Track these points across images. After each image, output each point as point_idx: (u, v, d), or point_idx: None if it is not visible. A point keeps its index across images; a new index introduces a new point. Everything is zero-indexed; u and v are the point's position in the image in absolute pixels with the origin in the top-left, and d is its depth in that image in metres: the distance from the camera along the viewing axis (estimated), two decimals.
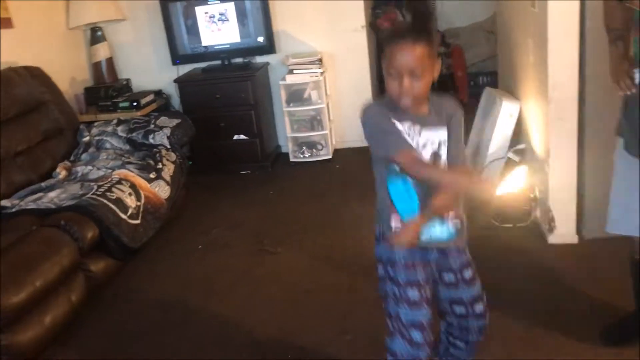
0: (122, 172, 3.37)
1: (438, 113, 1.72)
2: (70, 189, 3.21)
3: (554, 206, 3.03)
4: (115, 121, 3.99)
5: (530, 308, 2.60)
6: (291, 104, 4.60)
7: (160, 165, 3.59)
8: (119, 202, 3.10)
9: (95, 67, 4.71)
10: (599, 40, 2.64)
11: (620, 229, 2.19)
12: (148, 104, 4.50)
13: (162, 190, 3.48)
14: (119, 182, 3.24)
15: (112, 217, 3.01)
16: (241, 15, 4.55)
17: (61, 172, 3.47)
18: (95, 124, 4.01)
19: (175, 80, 4.62)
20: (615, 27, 2.09)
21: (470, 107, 4.91)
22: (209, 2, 4.54)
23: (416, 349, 1.77)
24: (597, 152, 2.84)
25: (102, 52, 4.68)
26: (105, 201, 3.04)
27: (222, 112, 4.52)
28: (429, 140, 1.70)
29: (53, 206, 3.03)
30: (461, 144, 1.77)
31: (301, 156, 4.72)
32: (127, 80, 4.83)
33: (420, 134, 1.69)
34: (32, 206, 3.05)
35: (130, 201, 3.18)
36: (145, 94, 4.60)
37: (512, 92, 3.76)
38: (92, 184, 3.23)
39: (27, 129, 3.55)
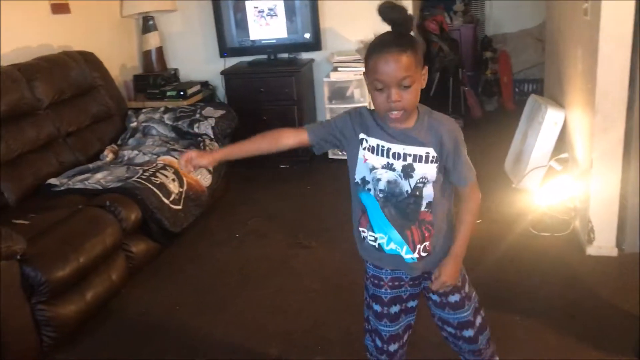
0: (167, 159, 3.46)
1: (426, 129, 1.62)
2: (116, 172, 3.31)
3: (594, 218, 2.99)
4: (162, 109, 4.09)
5: (564, 318, 2.58)
6: (333, 101, 4.63)
7: None
8: (162, 187, 3.19)
9: (145, 55, 4.83)
10: None
11: None
12: (194, 94, 4.60)
13: (204, 179, 3.56)
14: (164, 167, 3.33)
15: (156, 201, 3.09)
16: (290, 11, 4.61)
17: (108, 155, 3.59)
18: (143, 110, 4.12)
19: (222, 72, 4.70)
20: None
21: (514, 114, 4.89)
22: None
23: (380, 354, 1.86)
24: None
25: (152, 41, 4.80)
26: (150, 185, 3.13)
27: (265, 106, 4.58)
28: (400, 154, 1.63)
29: (99, 187, 3.13)
30: (462, 165, 1.66)
31: (340, 154, 4.75)
32: (175, 70, 4.94)
33: (388, 152, 1.63)
34: (79, 186, 3.16)
35: (173, 187, 3.26)
36: (192, 84, 4.70)
37: (558, 101, 3.72)
38: (137, 168, 3.33)
39: (78, 112, 3.67)
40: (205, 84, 4.86)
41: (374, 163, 1.65)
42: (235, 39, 4.75)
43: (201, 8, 4.83)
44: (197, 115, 3.97)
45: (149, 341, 2.65)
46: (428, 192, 1.65)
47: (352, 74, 4.49)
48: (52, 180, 3.22)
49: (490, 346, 1.94)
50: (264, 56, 4.75)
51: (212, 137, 3.89)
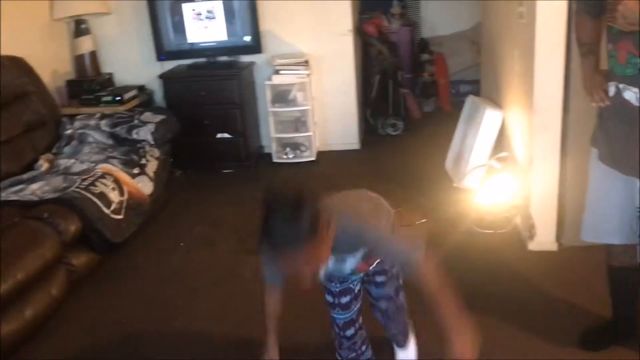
0: (106, 167, 3.35)
1: (347, 243, 1.65)
2: (53, 182, 3.17)
3: (535, 214, 3.09)
4: (98, 115, 3.95)
5: (511, 312, 2.65)
6: (276, 105, 4.60)
7: (144, 161, 3.57)
8: (102, 196, 3.08)
9: (78, 60, 4.66)
10: None
11: (592, 237, 2.26)
12: (131, 99, 4.46)
13: (145, 186, 3.47)
14: (103, 176, 3.22)
15: (96, 211, 2.98)
16: (229, 13, 4.54)
17: (44, 165, 3.43)
18: (78, 117, 3.97)
19: (160, 76, 4.59)
20: (586, 41, 2.16)
21: (451, 115, 5.00)
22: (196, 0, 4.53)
23: (340, 339, 2.07)
24: (579, 161, 2.88)
25: (86, 45, 4.63)
26: (89, 195, 3.01)
27: (206, 110, 4.50)
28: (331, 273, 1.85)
29: (36, 198, 3.00)
30: (396, 256, 1.73)
31: (284, 157, 4.73)
32: (110, 74, 4.78)
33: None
34: (13, 197, 3.01)
35: (114, 196, 3.16)
36: (128, 88, 4.55)
37: (495, 101, 3.83)
38: (75, 177, 3.20)
39: (9, 120, 3.50)
40: (142, 89, 4.73)
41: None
42: (173, 42, 4.65)
43: (136, 11, 4.70)
44: (136, 121, 3.87)
45: (94, 356, 2.55)
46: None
47: (294, 77, 4.48)
48: None
49: (401, 310, 2.16)
50: (204, 59, 4.67)
51: (152, 142, 3.80)
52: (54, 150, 3.68)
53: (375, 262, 1.93)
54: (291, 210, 1.40)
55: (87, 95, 4.38)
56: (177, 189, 4.13)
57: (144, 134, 3.78)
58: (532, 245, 3.14)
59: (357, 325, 2.06)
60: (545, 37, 2.81)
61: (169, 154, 3.94)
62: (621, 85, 1.93)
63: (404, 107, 5.25)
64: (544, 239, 3.11)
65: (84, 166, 3.39)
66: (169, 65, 4.74)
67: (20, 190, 3.08)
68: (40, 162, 3.46)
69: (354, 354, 2.09)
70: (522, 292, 2.80)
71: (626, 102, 1.93)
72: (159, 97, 4.79)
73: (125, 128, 3.80)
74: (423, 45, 5.90)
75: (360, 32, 5.03)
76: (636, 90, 1.89)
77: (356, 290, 2.02)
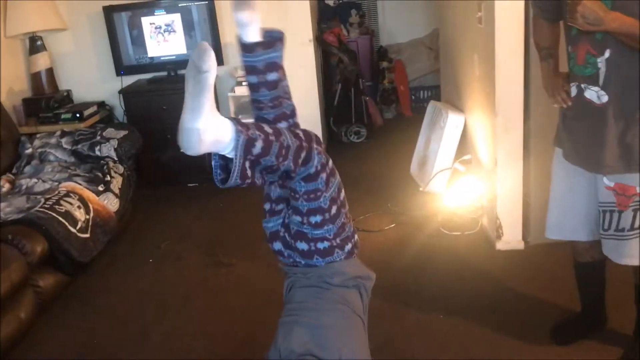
0: (70, 185, 3.28)
1: None
2: (15, 203, 3.09)
3: (501, 214, 3.16)
4: (58, 133, 3.87)
5: (484, 312, 2.69)
6: (240, 116, 4.59)
7: (108, 178, 3.51)
8: (68, 215, 3.01)
9: (35, 77, 4.55)
10: None
11: (557, 234, 2.32)
12: (91, 115, 4.39)
13: (111, 203, 3.41)
14: (67, 194, 3.15)
15: (62, 230, 2.92)
16: (188, 26, 4.52)
17: (4, 185, 3.34)
18: (38, 135, 3.88)
19: (120, 91, 4.52)
20: (544, 45, 2.23)
21: (412, 120, 5.08)
22: (155, 13, 4.49)
23: None
24: (542, 161, 2.97)
25: (42, 62, 4.52)
26: (54, 214, 2.95)
27: (169, 124, 4.44)
28: None
29: None
30: None
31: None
32: (68, 91, 4.68)
33: None
34: None
35: (80, 214, 3.10)
36: (88, 105, 4.47)
37: (456, 105, 3.90)
38: (38, 196, 3.13)
39: None
40: (102, 104, 4.65)
41: None
42: (132, 56, 4.59)
43: (94, 25, 4.63)
44: (98, 137, 3.80)
45: None
46: None
47: None
48: None
49: None
50: (164, 73, 4.63)
51: (116, 159, 3.74)
52: (14, 171, 3.59)
53: None
54: None
55: (45, 113, 4.28)
56: (143, 204, 4.07)
57: (107, 150, 3.72)
58: (500, 245, 3.20)
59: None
60: (504, 41, 2.89)
61: (133, 170, 3.88)
62: (582, 85, 2.00)
63: (366, 114, 5.30)
64: (511, 239, 3.18)
65: (47, 185, 3.32)
66: (129, 80, 4.67)
67: None
68: (1, 182, 3.37)
69: None
70: (491, 291, 2.86)
71: (588, 102, 1.99)
72: (119, 113, 4.72)
73: (88, 145, 3.73)
74: (382, 53, 5.98)
75: (320, 42, 5.07)
76: (597, 89, 1.95)
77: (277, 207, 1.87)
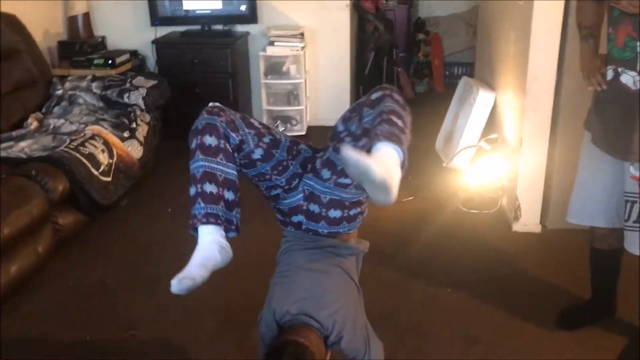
0: (96, 128, 3.32)
1: None
2: (42, 141, 3.15)
3: (521, 196, 3.13)
4: (89, 77, 3.91)
5: (492, 291, 2.69)
6: (269, 77, 4.58)
7: (134, 125, 3.55)
8: (91, 157, 3.06)
9: (71, 21, 4.59)
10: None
11: (578, 219, 2.29)
12: (123, 63, 4.43)
13: (135, 150, 3.45)
14: (92, 137, 3.20)
15: (84, 171, 2.97)
16: None
17: (33, 123, 3.40)
18: (69, 78, 3.93)
19: (154, 42, 4.54)
20: (587, 25, 2.16)
21: (444, 96, 5.01)
22: None
23: None
24: (568, 145, 2.93)
25: (79, 6, 4.56)
26: (78, 155, 3.00)
27: (198, 78, 4.47)
28: None
29: (24, 156, 2.98)
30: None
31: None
32: (103, 37, 4.72)
33: None
34: (2, 154, 2.98)
35: (103, 158, 3.14)
36: (120, 52, 4.51)
37: (488, 83, 3.84)
38: (64, 137, 3.18)
39: None
40: (134, 53, 4.69)
41: None
42: (168, 7, 4.59)
43: None
44: (127, 85, 3.83)
45: (79, 315, 2.56)
46: None
47: (289, 49, 4.45)
48: None
49: None
50: (198, 27, 4.63)
51: (143, 107, 3.76)
52: (43, 110, 3.64)
53: None
54: None
55: (78, 57, 4.33)
56: (166, 155, 4.11)
57: (135, 98, 3.75)
58: (517, 227, 3.18)
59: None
60: (542, 18, 2.82)
61: (159, 120, 3.92)
62: (619, 69, 1.95)
63: (397, 85, 5.24)
64: (529, 221, 3.15)
65: (74, 127, 3.37)
66: (163, 31, 4.69)
67: (9, 147, 3.05)
68: (30, 120, 3.43)
69: None
70: (503, 271, 2.85)
71: (623, 86, 1.94)
72: (151, 63, 4.75)
73: (117, 91, 3.76)
74: (419, 25, 5.88)
75: (357, 8, 5.01)
76: (634, 74, 1.90)
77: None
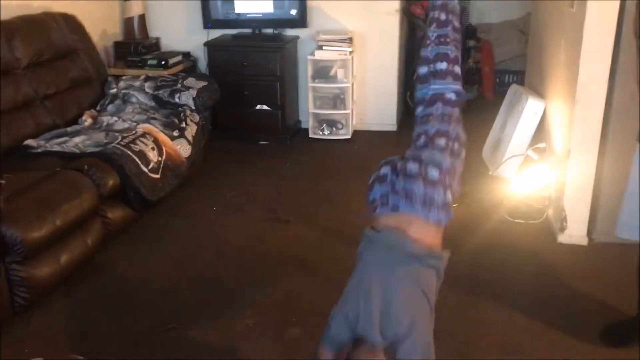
0: (147, 127, 3.42)
1: None
2: (94, 137, 3.26)
3: (568, 207, 3.06)
4: (143, 77, 4.04)
5: (533, 303, 2.64)
6: (316, 80, 4.62)
7: (184, 125, 3.64)
8: (141, 154, 3.16)
9: (127, 22, 4.75)
10: (633, 47, 2.67)
11: (627, 234, 2.23)
12: (175, 64, 4.55)
13: (183, 149, 3.54)
14: (143, 135, 3.29)
15: (134, 168, 3.06)
16: None
17: (87, 120, 3.53)
18: (123, 77, 4.06)
19: (205, 44, 4.65)
20: None
21: (493, 103, 4.93)
22: None
23: None
24: (618, 157, 2.86)
25: (135, 8, 4.71)
26: (129, 152, 3.09)
27: (247, 81, 4.55)
28: None
29: (77, 151, 3.09)
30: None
31: (320, 133, 4.76)
32: (157, 39, 4.87)
33: None
34: (57, 149, 3.11)
35: (152, 155, 3.24)
36: (173, 54, 4.64)
37: (538, 91, 3.77)
38: (116, 134, 3.29)
39: (57, 74, 3.60)
40: (187, 55, 4.81)
41: None
42: (220, 11, 4.69)
43: None
44: (179, 85, 3.93)
45: (123, 307, 2.64)
46: None
47: (337, 54, 4.48)
48: (29, 142, 3.17)
49: None
50: (249, 30, 4.71)
51: (193, 108, 3.86)
52: (97, 108, 3.78)
53: None
54: None
55: (133, 57, 4.48)
56: (213, 155, 4.20)
57: (186, 98, 3.85)
58: (562, 238, 3.11)
59: None
60: (593, 27, 2.76)
61: (208, 121, 4.00)
62: None
63: None
64: (575, 233, 3.08)
65: (126, 124, 3.48)
66: (215, 34, 4.79)
67: (64, 142, 3.18)
68: (84, 117, 3.56)
69: None
70: (545, 283, 2.79)
71: None
72: (202, 65, 4.86)
73: (168, 91, 3.87)
74: (470, 32, 5.81)
75: (407, 13, 4.99)
76: None
77: None
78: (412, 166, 1.84)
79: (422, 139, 1.91)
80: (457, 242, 3.13)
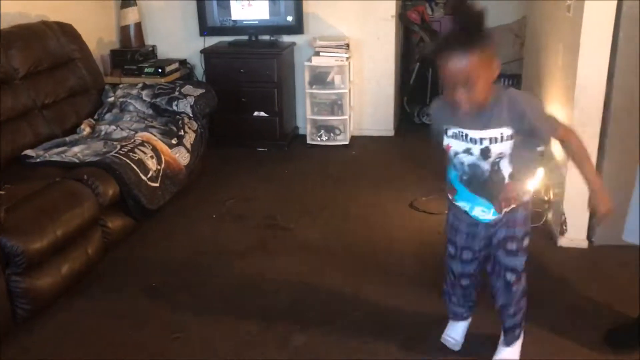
0: (145, 135, 3.42)
1: (501, 110, 1.75)
2: (93, 146, 3.26)
3: (568, 210, 3.07)
4: (140, 85, 4.03)
5: (535, 306, 2.62)
6: (314, 86, 4.63)
7: (182, 132, 3.63)
8: (140, 163, 3.15)
9: (124, 30, 4.75)
10: (631, 51, 2.69)
11: (635, 238, 2.23)
12: (172, 72, 4.55)
13: (182, 157, 3.53)
14: (142, 144, 3.29)
15: (133, 177, 3.06)
16: None
17: (85, 129, 3.53)
18: (121, 86, 4.06)
19: (202, 51, 4.65)
20: None
21: None
22: None
23: (452, 287, 2.23)
24: (617, 160, 2.88)
25: (131, 16, 4.71)
26: (128, 161, 3.09)
27: (245, 87, 4.56)
28: (476, 139, 1.81)
29: (76, 160, 3.08)
30: (544, 123, 1.82)
31: (318, 139, 4.76)
32: (154, 46, 4.86)
33: (466, 137, 1.82)
34: (56, 158, 3.10)
35: (151, 164, 3.23)
36: (170, 61, 4.64)
37: (536, 95, 3.78)
38: (115, 143, 3.28)
39: (55, 84, 3.59)
40: (183, 62, 4.81)
41: (456, 149, 1.85)
42: (217, 18, 4.70)
43: None
44: (176, 93, 3.93)
45: (125, 317, 2.63)
46: (505, 165, 1.85)
47: (334, 60, 4.49)
48: (28, 152, 3.16)
49: (522, 298, 2.19)
50: (245, 37, 4.72)
51: (191, 115, 3.85)
52: (95, 117, 3.77)
53: (510, 207, 1.95)
54: (470, 15, 1.64)
55: (130, 66, 4.48)
56: (212, 162, 4.20)
57: (184, 106, 3.85)
58: (562, 242, 3.12)
59: (473, 279, 2.16)
60: (591, 31, 2.77)
61: (206, 128, 4.00)
62: None
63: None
64: (575, 236, 3.09)
65: (124, 133, 3.47)
66: (211, 41, 4.80)
67: (63, 152, 3.17)
68: (82, 126, 3.56)
69: (468, 303, 2.26)
70: (546, 286, 2.79)
71: None
72: (199, 72, 4.86)
73: (166, 99, 3.86)
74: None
75: (403, 19, 5.01)
76: None
77: (478, 251, 2.08)
78: None
79: None
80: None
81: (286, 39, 4.76)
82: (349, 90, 4.65)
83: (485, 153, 1.81)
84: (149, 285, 2.87)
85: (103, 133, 3.51)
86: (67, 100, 3.68)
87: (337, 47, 4.50)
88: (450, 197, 2.05)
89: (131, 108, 3.85)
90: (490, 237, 2.05)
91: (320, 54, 4.51)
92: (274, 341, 2.43)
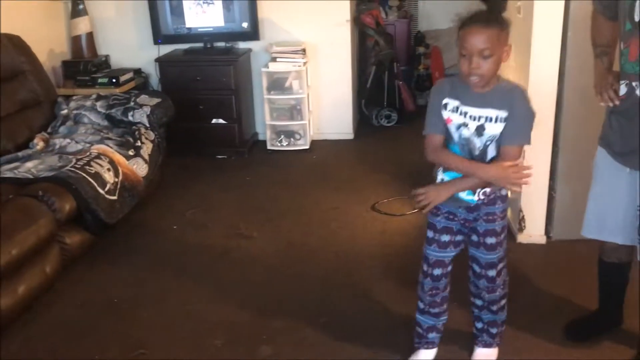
0: (101, 147, 3.35)
1: (501, 96, 1.91)
2: (48, 161, 3.17)
3: (525, 207, 3.14)
4: (94, 96, 3.95)
5: None
6: (272, 92, 4.62)
7: (139, 143, 3.57)
8: (97, 176, 3.08)
9: (75, 40, 4.64)
10: (579, 50, 2.77)
11: (595, 234, 2.27)
12: (127, 81, 4.47)
13: (140, 168, 3.47)
14: (98, 156, 3.22)
15: (91, 190, 2.99)
16: None
17: (39, 143, 3.43)
18: (74, 97, 3.96)
19: (157, 60, 4.59)
20: (601, 43, 2.18)
21: None
22: None
23: (424, 277, 2.20)
24: (571, 157, 2.96)
25: (82, 26, 4.61)
26: (84, 174, 3.02)
27: (201, 95, 4.51)
28: (474, 116, 1.92)
29: (30, 176, 3.00)
30: (517, 132, 1.93)
31: (279, 144, 4.75)
32: (107, 56, 4.77)
33: (465, 113, 1.93)
34: (9, 175, 3.01)
35: (109, 177, 3.16)
36: (124, 71, 4.56)
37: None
38: (70, 156, 3.21)
39: (5, 97, 3.48)
40: (138, 72, 4.73)
41: (456, 122, 1.95)
42: (171, 26, 4.64)
43: None
44: (132, 103, 3.86)
45: (88, 335, 2.57)
46: (492, 150, 1.96)
47: (291, 65, 4.49)
48: None
49: (504, 289, 2.25)
50: (200, 44, 4.67)
51: (147, 125, 3.79)
52: (49, 130, 3.67)
53: (490, 191, 2.02)
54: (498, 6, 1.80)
55: (83, 77, 4.38)
56: (171, 172, 4.14)
57: (140, 116, 3.78)
58: (521, 238, 3.18)
59: (446, 270, 2.18)
60: (541, 33, 2.85)
61: (163, 138, 3.94)
62: (634, 84, 1.96)
63: (398, 98, 5.27)
64: (533, 232, 3.16)
65: (80, 146, 3.39)
66: (166, 49, 4.74)
67: (16, 167, 3.08)
68: (36, 140, 3.46)
69: (434, 309, 2.24)
70: (510, 282, 2.82)
71: (638, 100, 1.95)
72: (154, 81, 4.80)
73: (121, 110, 3.79)
74: (419, 38, 5.92)
75: (357, 23, 5.05)
76: None
77: (457, 234, 2.12)
78: None
79: None
80: (414, 245, 3.16)
81: (242, 45, 4.73)
82: (308, 95, 4.65)
83: (480, 130, 1.93)
84: (111, 301, 2.80)
85: (57, 147, 3.42)
86: (18, 114, 3.57)
87: (294, 52, 4.51)
88: (439, 174, 2.11)
89: (86, 120, 3.77)
90: (468, 225, 2.11)
91: (277, 59, 4.51)
92: (240, 353, 2.41)
